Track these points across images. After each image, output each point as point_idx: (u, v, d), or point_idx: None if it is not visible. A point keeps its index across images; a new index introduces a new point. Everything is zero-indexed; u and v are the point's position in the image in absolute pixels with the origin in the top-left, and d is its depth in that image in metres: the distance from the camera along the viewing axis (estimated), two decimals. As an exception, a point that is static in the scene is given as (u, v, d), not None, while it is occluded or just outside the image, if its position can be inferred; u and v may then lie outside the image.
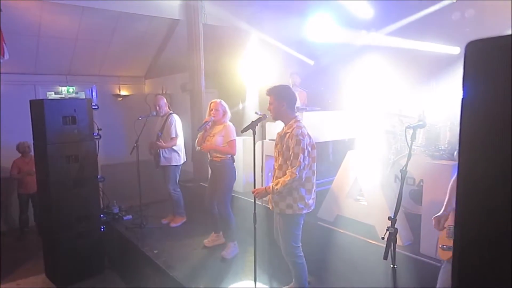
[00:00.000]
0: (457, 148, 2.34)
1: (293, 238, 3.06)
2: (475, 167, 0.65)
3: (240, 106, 6.91)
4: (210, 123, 4.15)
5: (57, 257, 4.38)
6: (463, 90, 0.65)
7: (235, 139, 4.12)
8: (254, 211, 3.12)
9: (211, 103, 4.23)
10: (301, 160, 2.84)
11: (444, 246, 2.40)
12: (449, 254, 2.39)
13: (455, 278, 0.71)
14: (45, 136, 4.15)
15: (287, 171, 2.90)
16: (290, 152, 2.88)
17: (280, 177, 2.95)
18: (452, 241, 2.30)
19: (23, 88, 7.43)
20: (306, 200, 3.00)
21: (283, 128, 3.10)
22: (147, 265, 4.25)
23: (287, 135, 2.96)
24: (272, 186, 2.95)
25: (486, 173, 0.64)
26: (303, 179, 2.91)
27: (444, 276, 2.44)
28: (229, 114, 4.25)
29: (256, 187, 3.17)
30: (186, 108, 6.85)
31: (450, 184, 2.51)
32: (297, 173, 2.83)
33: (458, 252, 0.69)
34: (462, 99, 0.66)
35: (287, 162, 2.92)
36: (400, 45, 5.33)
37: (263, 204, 4.30)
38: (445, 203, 2.46)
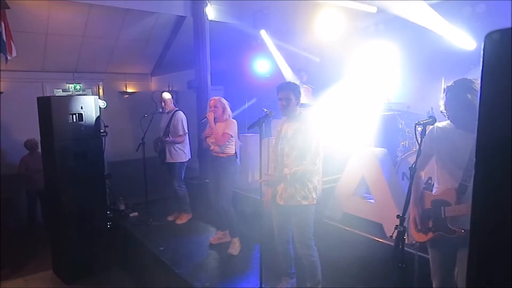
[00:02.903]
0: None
1: (310, 230, 3.09)
2: (493, 167, 0.62)
3: (246, 103, 6.88)
4: (211, 119, 4.10)
5: (63, 253, 4.42)
6: (481, 86, 0.62)
7: (229, 134, 4.03)
8: (260, 208, 3.11)
9: (210, 100, 4.24)
10: (320, 151, 2.97)
11: (419, 228, 2.37)
12: (426, 236, 2.35)
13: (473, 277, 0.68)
14: (52, 133, 4.17)
15: (304, 162, 2.94)
16: (310, 143, 2.95)
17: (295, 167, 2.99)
18: (421, 235, 2.28)
19: (31, 85, 7.47)
20: (317, 190, 3.11)
21: (292, 122, 3.09)
22: (153, 262, 4.25)
23: (304, 127, 3.00)
24: (291, 174, 2.94)
25: (506, 171, 0.61)
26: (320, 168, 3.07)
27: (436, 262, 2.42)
28: (229, 111, 4.19)
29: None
30: (192, 105, 6.84)
31: (415, 180, 2.39)
32: (317, 163, 2.96)
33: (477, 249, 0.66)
34: (480, 95, 0.62)
35: (306, 152, 2.96)
36: (422, 20, 4.73)
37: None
38: (412, 202, 2.37)
